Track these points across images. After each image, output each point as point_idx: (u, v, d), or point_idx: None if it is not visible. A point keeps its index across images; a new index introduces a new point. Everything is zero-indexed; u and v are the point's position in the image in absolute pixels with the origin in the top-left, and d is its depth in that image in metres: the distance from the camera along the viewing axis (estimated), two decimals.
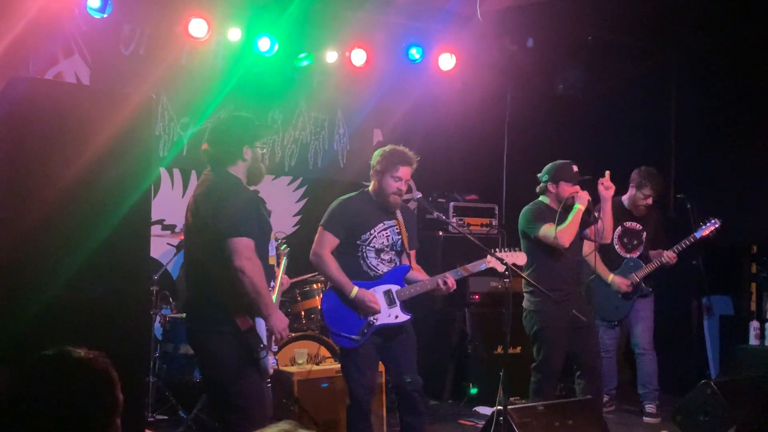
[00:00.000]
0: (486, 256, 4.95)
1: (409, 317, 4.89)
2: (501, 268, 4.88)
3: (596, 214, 5.59)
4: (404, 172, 4.84)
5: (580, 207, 5.53)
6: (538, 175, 5.80)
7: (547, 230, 5.53)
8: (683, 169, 7.99)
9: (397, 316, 4.85)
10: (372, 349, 4.83)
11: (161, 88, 6.93)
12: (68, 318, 3.96)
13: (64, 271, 3.99)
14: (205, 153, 4.00)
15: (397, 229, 4.93)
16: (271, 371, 3.98)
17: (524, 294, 5.73)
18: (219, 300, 3.83)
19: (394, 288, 4.87)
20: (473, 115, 8.05)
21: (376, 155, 4.93)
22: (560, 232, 5.45)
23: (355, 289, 4.76)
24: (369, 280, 4.85)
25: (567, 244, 5.51)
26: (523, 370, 5.78)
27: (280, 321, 3.90)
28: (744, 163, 7.44)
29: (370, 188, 4.98)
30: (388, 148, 4.94)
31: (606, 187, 5.69)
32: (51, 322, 3.91)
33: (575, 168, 5.68)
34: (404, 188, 4.88)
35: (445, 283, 4.84)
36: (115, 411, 2.08)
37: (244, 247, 3.73)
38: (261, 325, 3.89)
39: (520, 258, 5.11)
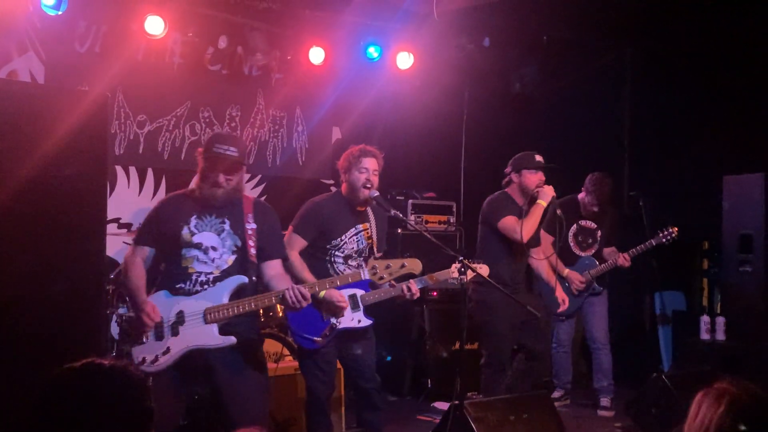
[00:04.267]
0: (451, 267, 4.86)
1: (371, 322, 4.87)
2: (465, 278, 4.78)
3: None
4: (369, 162, 4.85)
5: (541, 203, 5.48)
6: (505, 170, 5.74)
7: (509, 222, 5.51)
8: (637, 166, 8.11)
9: (360, 321, 4.83)
10: (332, 349, 4.83)
11: (117, 86, 6.88)
12: (24, 316, 3.92)
13: (20, 270, 3.95)
14: None
15: (365, 234, 4.93)
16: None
17: (472, 283, 5.44)
18: None
19: (359, 292, 4.84)
20: (431, 113, 8.09)
21: (341, 158, 4.96)
22: (521, 226, 5.41)
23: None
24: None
25: (525, 239, 5.46)
26: (479, 366, 5.84)
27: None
28: (697, 159, 7.58)
29: (342, 189, 4.98)
30: (350, 148, 4.98)
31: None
32: (7, 321, 3.87)
33: (538, 157, 5.61)
34: (374, 179, 4.85)
35: (409, 290, 4.82)
36: (152, 417, 2.10)
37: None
38: None
39: (483, 270, 5.03)
